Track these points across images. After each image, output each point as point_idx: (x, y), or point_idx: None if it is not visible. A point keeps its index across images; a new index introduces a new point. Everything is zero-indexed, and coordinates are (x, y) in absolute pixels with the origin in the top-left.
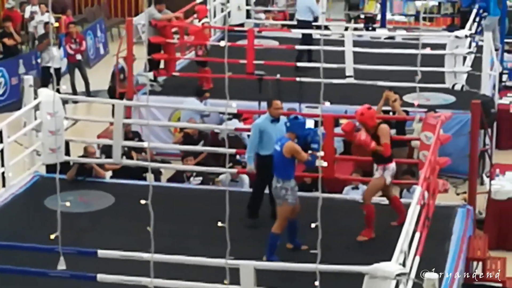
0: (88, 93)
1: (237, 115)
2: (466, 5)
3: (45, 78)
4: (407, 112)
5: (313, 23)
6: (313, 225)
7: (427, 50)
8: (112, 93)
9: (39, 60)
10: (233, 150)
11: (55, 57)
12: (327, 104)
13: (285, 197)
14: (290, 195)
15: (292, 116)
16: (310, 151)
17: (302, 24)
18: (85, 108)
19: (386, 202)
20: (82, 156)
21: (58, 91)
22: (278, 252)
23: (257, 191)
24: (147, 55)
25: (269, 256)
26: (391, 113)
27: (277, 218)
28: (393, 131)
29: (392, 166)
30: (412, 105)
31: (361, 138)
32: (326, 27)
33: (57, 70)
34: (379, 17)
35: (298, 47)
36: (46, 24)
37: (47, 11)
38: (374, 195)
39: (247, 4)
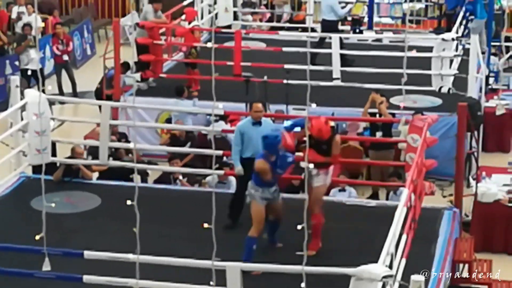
0: (75, 94)
1: (224, 117)
2: (451, 8)
3: (25, 80)
4: (393, 115)
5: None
6: (299, 227)
7: (413, 53)
8: (99, 94)
9: (16, 63)
10: (220, 152)
11: (33, 59)
12: (314, 106)
13: (254, 197)
14: (260, 195)
15: (265, 134)
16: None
17: (327, 24)
18: (72, 109)
19: (373, 204)
20: (69, 157)
21: (43, 92)
22: (265, 252)
23: (238, 193)
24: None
25: (246, 260)
26: (377, 115)
27: (253, 222)
28: (380, 134)
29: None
30: (399, 107)
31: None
32: (313, 29)
33: (36, 72)
34: (366, 19)
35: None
36: (25, 26)
37: (34, 12)
38: (322, 202)
39: (235, 6)
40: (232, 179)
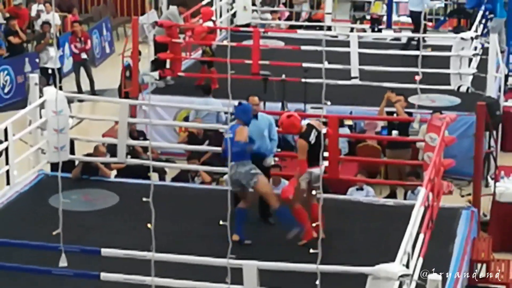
0: (93, 92)
1: None
2: (470, 7)
3: (43, 78)
4: (410, 114)
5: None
6: (314, 225)
7: (429, 51)
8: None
9: (36, 60)
10: None
11: (52, 57)
12: (328, 103)
13: (256, 175)
14: (257, 173)
15: (239, 103)
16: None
17: (415, 15)
18: (90, 107)
19: (390, 203)
20: (89, 154)
21: (60, 89)
22: (279, 250)
23: None
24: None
25: (292, 228)
26: (395, 114)
27: (267, 199)
28: (396, 132)
29: (309, 170)
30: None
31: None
32: (329, 28)
33: (56, 70)
34: (385, 18)
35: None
36: (44, 24)
37: (52, 10)
38: (298, 200)
39: (253, 4)
40: None
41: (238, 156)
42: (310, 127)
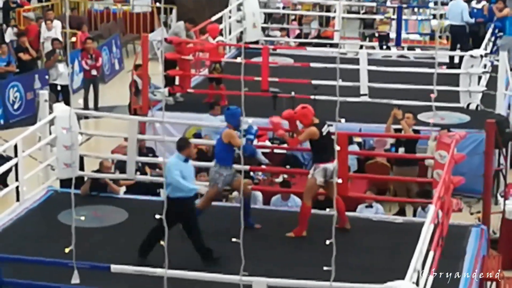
0: (96, 109)
1: None
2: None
3: (53, 95)
4: (416, 131)
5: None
6: (327, 242)
7: (443, 69)
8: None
9: (46, 77)
10: (247, 167)
11: (62, 74)
12: (342, 121)
13: (217, 181)
14: (221, 181)
15: (227, 107)
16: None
17: (456, 29)
18: (94, 124)
19: (400, 220)
20: (97, 171)
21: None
22: (291, 267)
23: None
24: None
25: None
26: (403, 132)
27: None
28: (402, 150)
29: (323, 166)
30: (426, 123)
31: (273, 120)
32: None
33: (65, 87)
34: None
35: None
36: (54, 40)
37: (63, 27)
38: (311, 194)
39: (264, 22)
40: (258, 194)
41: (218, 157)
42: (322, 123)
